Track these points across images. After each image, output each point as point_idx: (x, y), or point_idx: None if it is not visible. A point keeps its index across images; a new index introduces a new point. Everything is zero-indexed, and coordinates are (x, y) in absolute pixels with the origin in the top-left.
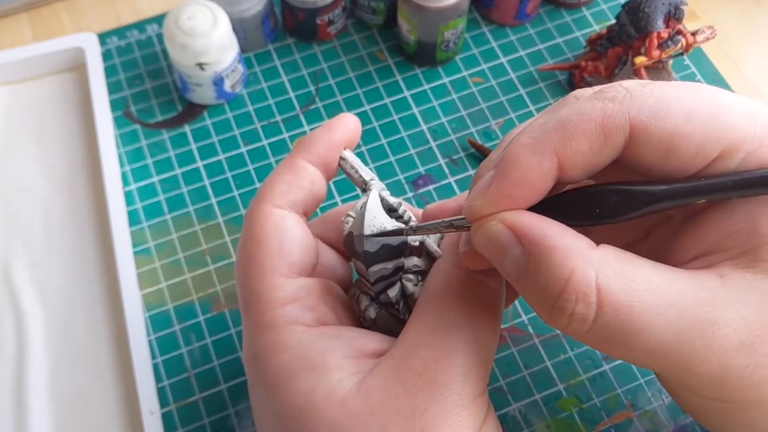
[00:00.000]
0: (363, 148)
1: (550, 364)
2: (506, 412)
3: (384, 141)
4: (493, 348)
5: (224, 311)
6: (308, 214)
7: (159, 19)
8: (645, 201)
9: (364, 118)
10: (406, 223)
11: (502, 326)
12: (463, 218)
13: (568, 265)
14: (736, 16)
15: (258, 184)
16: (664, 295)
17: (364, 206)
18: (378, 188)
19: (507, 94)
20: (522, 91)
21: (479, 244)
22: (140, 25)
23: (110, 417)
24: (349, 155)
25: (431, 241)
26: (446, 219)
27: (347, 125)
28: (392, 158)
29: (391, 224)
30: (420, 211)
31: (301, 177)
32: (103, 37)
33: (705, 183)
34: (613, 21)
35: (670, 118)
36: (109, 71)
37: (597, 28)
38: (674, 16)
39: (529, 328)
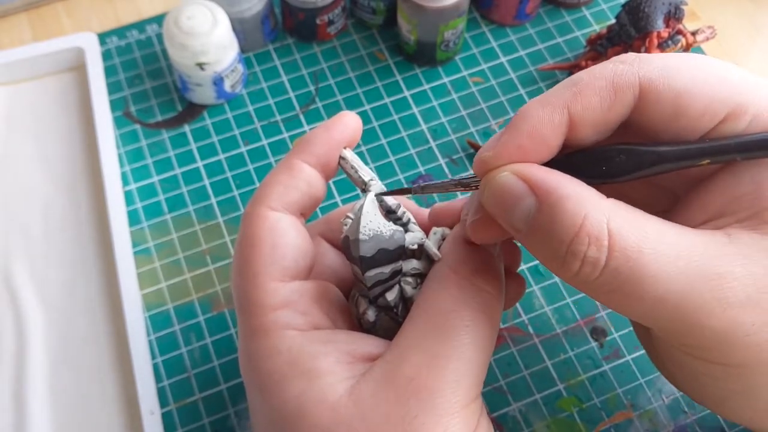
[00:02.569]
0: (363, 148)
1: (550, 363)
2: (506, 412)
3: (384, 141)
4: (488, 354)
5: (224, 311)
6: (306, 215)
7: (159, 19)
8: (651, 160)
9: (364, 117)
10: (404, 225)
11: (502, 326)
12: (472, 176)
13: (581, 211)
14: (735, 15)
15: (258, 184)
16: (675, 245)
17: (360, 209)
18: (377, 189)
19: (507, 94)
20: (522, 91)
21: (489, 196)
22: (140, 25)
23: (110, 417)
24: (349, 154)
25: (431, 243)
26: (456, 177)
27: (347, 124)
28: (392, 158)
29: (388, 227)
30: (421, 210)
31: (298, 178)
32: (103, 37)
33: (709, 145)
34: (613, 21)
35: (678, 78)
36: (109, 71)
37: (597, 27)
38: (674, 15)
39: (529, 328)
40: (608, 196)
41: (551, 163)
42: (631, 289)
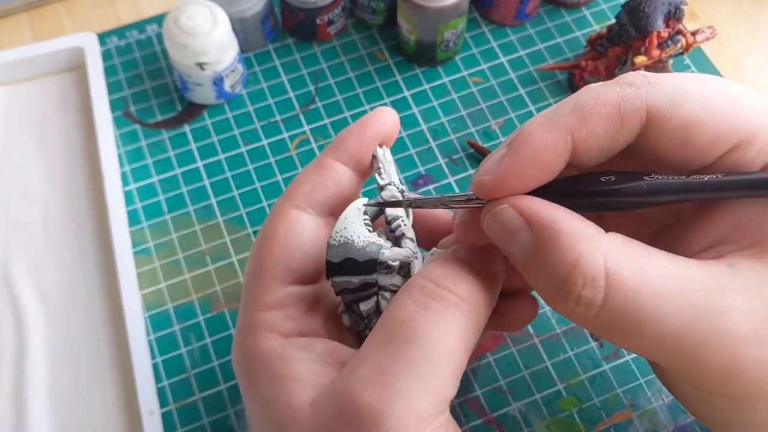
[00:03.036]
0: None
1: (550, 363)
2: (506, 412)
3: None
4: (452, 369)
5: (224, 311)
6: (336, 215)
7: (159, 19)
8: (652, 190)
9: None
10: (396, 239)
11: None
12: (463, 195)
13: (576, 249)
14: (735, 15)
15: (258, 184)
16: (675, 281)
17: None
18: (388, 195)
19: (507, 94)
20: (522, 91)
21: (488, 228)
22: (140, 25)
23: (110, 417)
24: (381, 153)
25: (419, 263)
26: (447, 195)
27: (382, 120)
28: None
29: (362, 238)
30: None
31: (327, 177)
32: (102, 37)
33: (713, 180)
34: (613, 21)
35: (688, 105)
36: (109, 71)
37: (597, 27)
38: (674, 15)
39: (529, 328)
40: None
41: (551, 185)
42: (630, 328)
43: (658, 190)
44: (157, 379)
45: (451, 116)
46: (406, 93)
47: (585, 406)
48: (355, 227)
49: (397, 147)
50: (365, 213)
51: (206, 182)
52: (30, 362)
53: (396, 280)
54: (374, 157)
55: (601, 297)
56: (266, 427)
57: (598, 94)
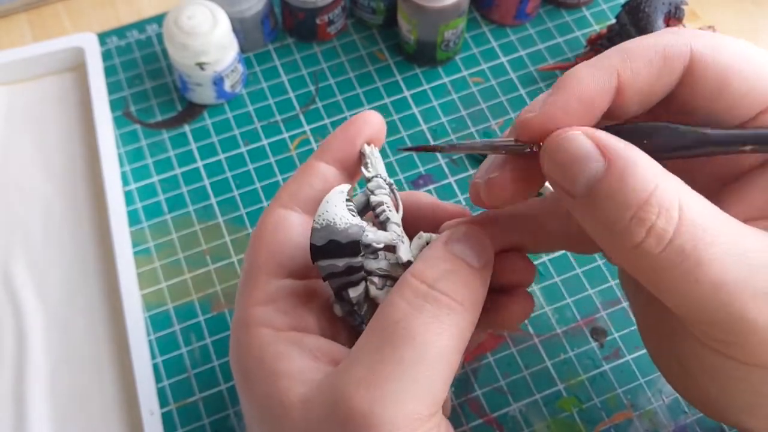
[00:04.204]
0: None
1: (550, 364)
2: (506, 412)
3: (384, 141)
4: (444, 371)
5: (224, 311)
6: None
7: (159, 19)
8: (694, 139)
9: None
10: (381, 224)
11: None
12: (507, 141)
13: (653, 179)
14: (736, 15)
15: (258, 184)
16: (738, 233)
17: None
18: (374, 186)
19: (507, 94)
20: (522, 91)
21: (553, 157)
22: (140, 25)
23: (110, 417)
24: (369, 151)
25: (406, 246)
26: (488, 140)
27: (366, 122)
28: (392, 158)
29: (344, 220)
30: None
31: (312, 176)
32: (102, 37)
33: (754, 132)
34: (613, 21)
35: (727, 53)
36: (109, 71)
37: (597, 27)
38: (674, 15)
39: (529, 328)
40: None
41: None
42: (691, 269)
43: (718, 138)
44: (157, 379)
45: (451, 116)
46: (406, 93)
47: (585, 406)
48: (337, 210)
49: (397, 146)
50: (348, 200)
51: (206, 182)
52: (30, 362)
53: (383, 264)
54: (362, 153)
55: (672, 228)
56: (260, 423)
57: (644, 39)
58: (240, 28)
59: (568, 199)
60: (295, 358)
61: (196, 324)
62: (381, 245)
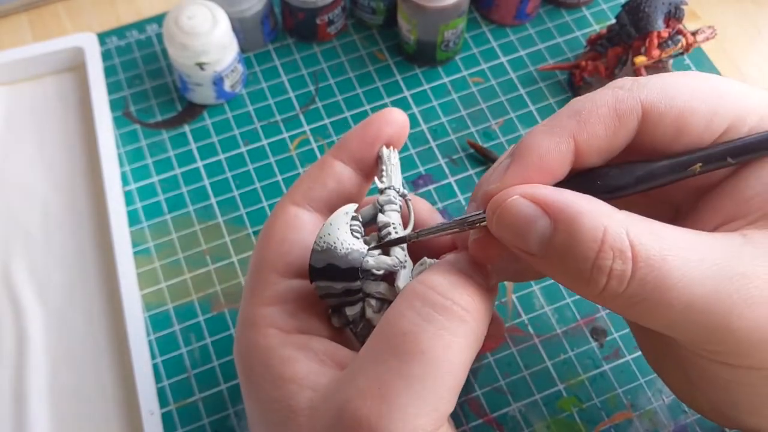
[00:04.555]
0: None
1: (550, 364)
2: (506, 412)
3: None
4: (453, 383)
5: (224, 311)
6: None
7: (159, 19)
8: (645, 173)
9: (364, 117)
10: (387, 243)
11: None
12: (475, 215)
13: (600, 225)
14: (736, 15)
15: (258, 184)
16: (696, 249)
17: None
18: (384, 200)
19: (507, 94)
20: (522, 91)
21: (500, 224)
22: (140, 25)
23: (110, 417)
24: (387, 154)
25: (406, 273)
26: (457, 218)
27: (388, 120)
28: None
29: (346, 245)
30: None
31: (326, 174)
32: (102, 37)
33: (698, 153)
34: (613, 21)
35: (678, 97)
36: (109, 71)
37: (597, 27)
38: (674, 15)
39: (529, 328)
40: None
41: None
42: (659, 298)
43: (647, 176)
44: (157, 379)
45: (451, 116)
46: (406, 93)
47: (585, 406)
48: (339, 233)
49: None
50: (354, 218)
51: (206, 182)
52: (30, 362)
53: (381, 287)
54: (379, 157)
55: (630, 268)
56: (265, 426)
57: (594, 99)
58: (240, 28)
59: (528, 258)
60: (302, 362)
61: (196, 324)
62: (381, 272)
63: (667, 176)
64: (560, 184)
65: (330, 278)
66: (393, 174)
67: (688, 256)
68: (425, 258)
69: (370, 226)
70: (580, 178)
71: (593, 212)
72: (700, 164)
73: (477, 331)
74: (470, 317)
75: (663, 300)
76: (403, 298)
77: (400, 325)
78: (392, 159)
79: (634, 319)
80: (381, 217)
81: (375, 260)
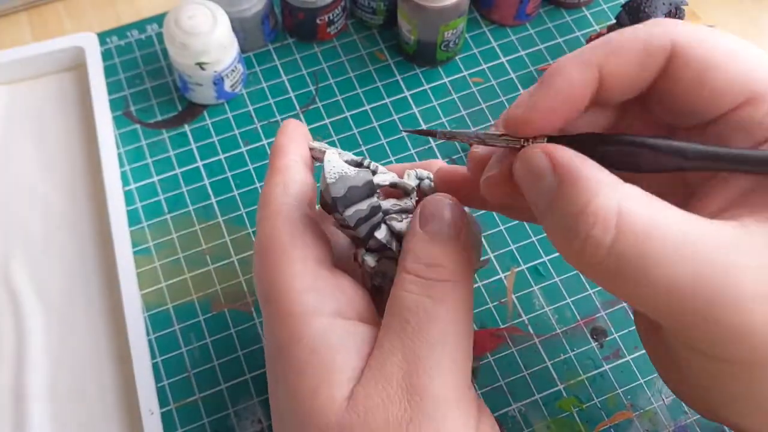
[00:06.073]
0: (363, 148)
1: (550, 364)
2: (506, 412)
3: (384, 141)
4: (466, 341)
5: (224, 311)
6: (312, 205)
7: (159, 19)
8: (675, 162)
9: (364, 117)
10: (373, 171)
11: (503, 326)
12: (494, 134)
13: (592, 190)
14: (736, 16)
15: (258, 184)
16: (685, 232)
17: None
18: (332, 152)
19: (507, 94)
20: (522, 91)
21: (518, 170)
22: (140, 25)
23: (109, 417)
24: (316, 144)
25: (404, 180)
26: (481, 131)
27: (294, 124)
28: (392, 158)
29: (351, 169)
30: (396, 167)
31: (291, 171)
32: (102, 37)
33: (730, 152)
34: (614, 21)
35: (708, 47)
36: (109, 71)
37: (597, 28)
38: (674, 16)
39: (529, 328)
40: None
41: (578, 142)
42: (638, 275)
43: (678, 151)
44: (157, 379)
45: (451, 116)
46: (407, 93)
47: (585, 406)
48: (341, 164)
49: (398, 147)
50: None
51: (206, 182)
52: (30, 362)
53: (393, 200)
54: (312, 148)
55: (610, 237)
56: (303, 423)
57: (626, 31)
58: (240, 27)
59: (534, 211)
60: (351, 350)
61: (195, 324)
62: (387, 183)
63: (695, 163)
64: (598, 139)
65: (355, 201)
66: (328, 146)
67: (676, 238)
68: (408, 170)
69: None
70: (617, 140)
71: (592, 178)
72: (732, 167)
73: (467, 286)
74: (459, 283)
75: (642, 277)
76: (397, 282)
77: (405, 303)
78: (321, 144)
79: (619, 296)
80: (356, 157)
81: (378, 177)
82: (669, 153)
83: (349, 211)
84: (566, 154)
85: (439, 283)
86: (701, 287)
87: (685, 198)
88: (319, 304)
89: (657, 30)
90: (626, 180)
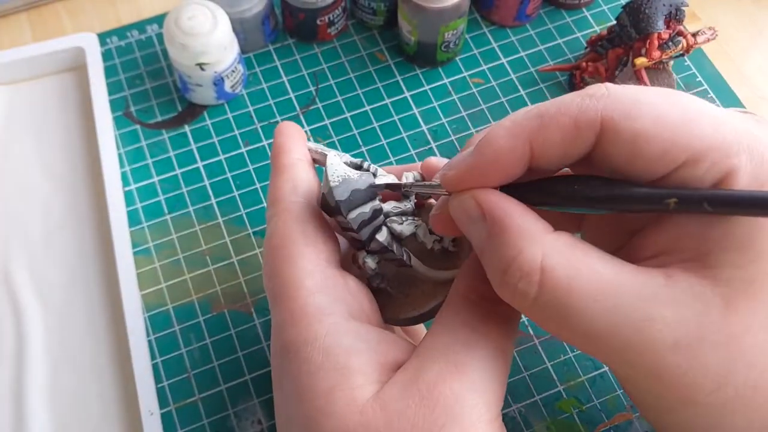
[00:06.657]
0: (363, 149)
1: (550, 365)
2: (506, 413)
3: (384, 141)
4: (506, 368)
5: (224, 311)
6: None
7: (159, 19)
8: (620, 194)
9: (364, 118)
10: (373, 174)
11: None
12: (432, 183)
13: (518, 246)
14: (736, 17)
15: (258, 185)
16: (605, 285)
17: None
18: (333, 156)
19: (507, 95)
20: (522, 92)
21: (453, 212)
22: (140, 25)
23: (109, 417)
24: (313, 145)
25: (402, 180)
26: (419, 182)
27: (290, 126)
28: (392, 158)
29: (354, 172)
30: (394, 169)
31: (298, 169)
32: (103, 37)
33: (678, 191)
34: (614, 22)
35: (638, 119)
36: (109, 71)
37: (597, 29)
38: (675, 17)
39: (530, 329)
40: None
41: (525, 184)
42: (561, 322)
43: (596, 197)
44: (157, 379)
45: (451, 117)
46: (407, 94)
47: (585, 407)
48: (343, 167)
49: (398, 148)
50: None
51: (206, 182)
52: (30, 362)
53: (393, 203)
54: (310, 149)
55: (534, 290)
56: (317, 423)
57: (560, 104)
58: (240, 28)
59: (474, 249)
60: (364, 353)
61: (195, 324)
62: (386, 185)
63: (641, 204)
64: (538, 181)
65: (358, 204)
66: (326, 149)
67: (594, 290)
68: (405, 173)
69: None
70: (560, 180)
71: (519, 231)
72: (675, 200)
73: (515, 322)
74: (508, 316)
75: (565, 324)
76: (457, 299)
77: (462, 319)
78: (319, 147)
79: (547, 331)
80: (355, 159)
81: (379, 180)
82: (606, 200)
83: (353, 214)
84: (495, 201)
85: (498, 309)
86: (617, 335)
87: (630, 235)
88: (331, 304)
89: (587, 104)
90: (576, 218)
